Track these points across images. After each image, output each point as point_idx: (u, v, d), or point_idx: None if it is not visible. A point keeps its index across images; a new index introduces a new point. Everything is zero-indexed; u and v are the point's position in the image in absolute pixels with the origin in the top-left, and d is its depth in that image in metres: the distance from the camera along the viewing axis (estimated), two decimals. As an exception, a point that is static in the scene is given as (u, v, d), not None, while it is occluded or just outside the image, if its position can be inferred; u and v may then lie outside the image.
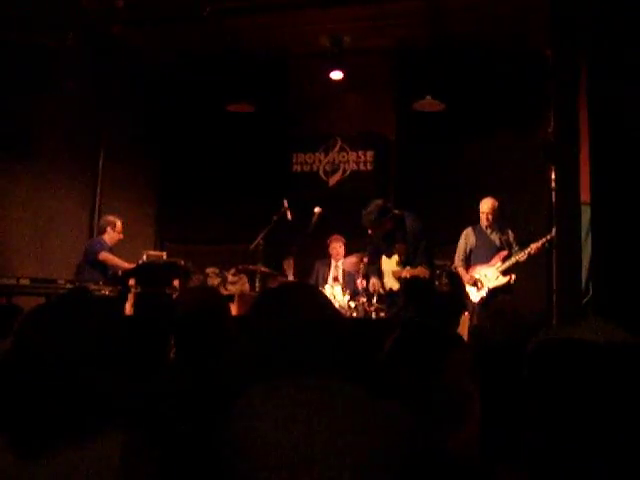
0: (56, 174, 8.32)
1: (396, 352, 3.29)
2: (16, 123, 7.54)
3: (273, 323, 1.88)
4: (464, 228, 7.65)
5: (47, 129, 8.14)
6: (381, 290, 6.99)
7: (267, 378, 1.84)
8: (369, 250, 7.18)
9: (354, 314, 7.32)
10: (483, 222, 7.50)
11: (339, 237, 8.59)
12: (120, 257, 8.18)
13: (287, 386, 1.80)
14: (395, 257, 6.82)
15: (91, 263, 7.64)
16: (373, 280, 7.02)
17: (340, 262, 8.37)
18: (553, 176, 8.14)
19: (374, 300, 7.06)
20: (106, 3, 7.80)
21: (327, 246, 8.62)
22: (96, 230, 8.40)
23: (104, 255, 7.62)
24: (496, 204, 7.47)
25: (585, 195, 7.76)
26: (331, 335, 1.89)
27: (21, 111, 7.57)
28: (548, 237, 7.02)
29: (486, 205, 7.49)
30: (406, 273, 6.47)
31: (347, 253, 8.29)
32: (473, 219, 7.62)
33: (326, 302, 2.01)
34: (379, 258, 7.03)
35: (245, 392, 1.86)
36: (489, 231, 7.48)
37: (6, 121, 7.34)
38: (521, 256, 7.19)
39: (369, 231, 6.86)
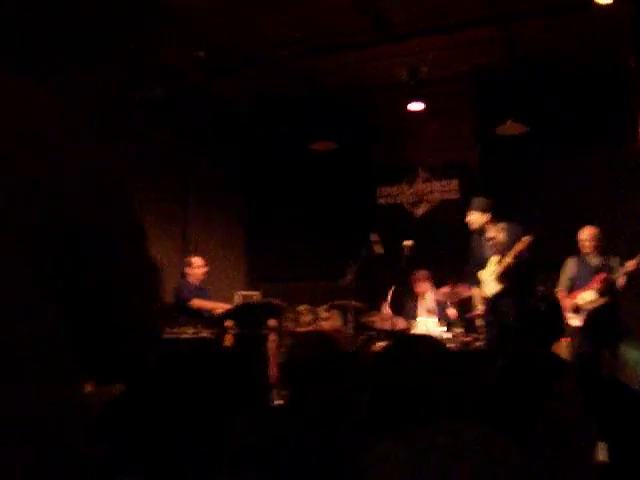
0: (147, 216, 8.56)
1: (506, 383, 3.24)
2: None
3: (399, 372, 1.91)
4: (557, 253, 7.46)
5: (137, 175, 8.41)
6: (480, 301, 7.07)
7: (397, 427, 1.85)
8: (467, 269, 7.25)
9: (452, 345, 7.26)
10: (585, 249, 7.25)
11: (424, 273, 8.42)
12: (214, 299, 8.33)
13: (418, 432, 1.81)
14: (493, 260, 6.79)
15: (182, 309, 7.72)
16: (475, 290, 7.05)
17: (430, 292, 8.28)
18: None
19: (473, 326, 7.06)
20: (188, 54, 8.06)
21: (412, 283, 8.52)
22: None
23: (196, 302, 7.70)
24: (595, 231, 7.24)
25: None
26: (451, 380, 1.91)
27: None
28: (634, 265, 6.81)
29: (585, 234, 7.25)
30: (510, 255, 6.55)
31: (437, 283, 8.21)
32: (566, 244, 7.41)
33: (444, 350, 2.06)
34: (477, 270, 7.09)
35: (376, 441, 1.87)
36: (590, 257, 7.24)
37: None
38: (617, 276, 6.95)
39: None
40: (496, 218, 6.96)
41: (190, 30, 7.75)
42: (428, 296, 8.35)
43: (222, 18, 7.53)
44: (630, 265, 6.89)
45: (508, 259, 6.69)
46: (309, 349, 2.83)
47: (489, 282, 6.90)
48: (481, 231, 6.96)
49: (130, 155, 8.14)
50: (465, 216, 7.11)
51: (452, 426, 1.80)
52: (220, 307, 7.61)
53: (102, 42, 7.11)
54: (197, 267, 8.04)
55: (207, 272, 8.18)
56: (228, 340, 6.60)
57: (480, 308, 7.11)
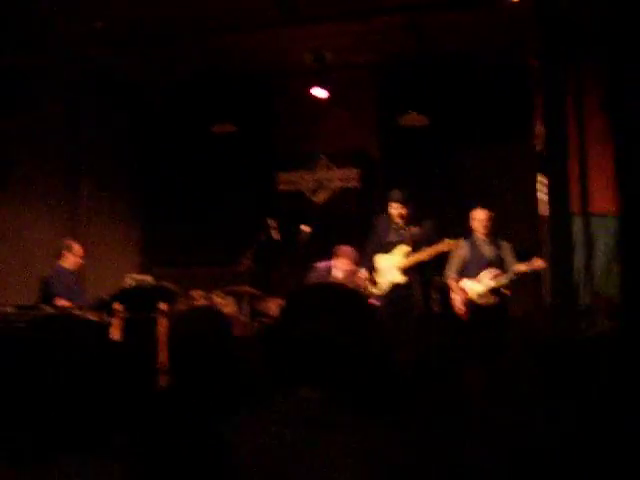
0: (36, 202, 8.18)
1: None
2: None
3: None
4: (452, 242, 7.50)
5: (24, 156, 8.00)
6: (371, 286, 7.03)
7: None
8: (367, 249, 7.25)
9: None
10: (479, 232, 7.25)
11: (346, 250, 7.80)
12: (105, 282, 8.01)
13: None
14: (400, 250, 6.77)
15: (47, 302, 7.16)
16: (363, 272, 7.04)
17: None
18: (539, 186, 8.16)
19: None
20: (83, 25, 7.70)
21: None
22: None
23: (60, 302, 7.18)
24: (489, 214, 7.29)
25: (576, 205, 7.81)
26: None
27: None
28: (535, 265, 6.94)
29: (480, 214, 7.27)
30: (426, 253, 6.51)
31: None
32: (461, 233, 7.47)
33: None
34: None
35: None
36: (482, 244, 7.28)
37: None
38: (507, 278, 7.05)
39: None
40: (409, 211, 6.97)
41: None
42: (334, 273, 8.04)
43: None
44: (520, 268, 7.00)
45: (422, 256, 6.67)
46: (194, 323, 2.69)
47: (389, 269, 6.85)
48: (400, 221, 6.93)
49: (17, 130, 7.77)
50: (364, 202, 7.08)
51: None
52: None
53: None
54: (78, 254, 7.66)
55: (83, 265, 7.80)
56: (116, 324, 6.33)
57: (373, 293, 7.05)
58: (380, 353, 2.11)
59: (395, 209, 6.95)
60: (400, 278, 6.80)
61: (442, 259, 7.24)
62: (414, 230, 6.84)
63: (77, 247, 7.71)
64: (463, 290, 7.18)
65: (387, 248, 6.94)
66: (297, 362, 1.78)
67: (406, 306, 6.69)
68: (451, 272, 7.30)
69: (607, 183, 7.90)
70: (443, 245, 6.67)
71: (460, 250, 7.26)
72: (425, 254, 6.68)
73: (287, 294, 1.99)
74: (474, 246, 7.22)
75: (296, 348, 1.78)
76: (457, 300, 7.21)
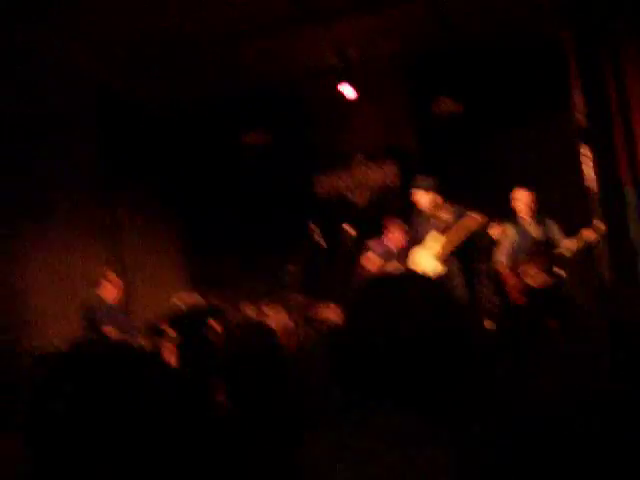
0: (82, 233, 8.17)
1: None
2: (33, 187, 7.41)
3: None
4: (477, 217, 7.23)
5: (62, 192, 7.99)
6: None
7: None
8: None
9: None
10: (523, 212, 7.04)
11: (396, 222, 7.82)
12: (151, 307, 7.97)
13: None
14: (433, 238, 6.57)
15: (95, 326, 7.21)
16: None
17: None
18: (584, 159, 7.92)
19: None
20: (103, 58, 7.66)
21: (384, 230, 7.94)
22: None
23: (109, 330, 7.17)
24: (531, 194, 7.07)
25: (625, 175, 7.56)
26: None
27: (38, 175, 7.44)
28: (585, 237, 6.71)
29: (521, 194, 7.07)
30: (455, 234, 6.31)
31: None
32: (507, 217, 7.24)
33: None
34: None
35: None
36: (528, 225, 7.04)
37: (23, 185, 7.20)
38: (561, 252, 6.81)
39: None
40: (441, 197, 6.76)
41: (97, 29, 7.33)
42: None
43: (132, 15, 7.14)
44: (572, 243, 6.78)
45: (453, 238, 6.47)
46: (244, 342, 2.58)
47: (428, 261, 6.64)
48: (425, 210, 6.74)
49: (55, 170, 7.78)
50: (406, 198, 6.89)
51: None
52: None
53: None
54: (115, 285, 7.56)
55: (122, 294, 7.72)
56: (170, 348, 6.24)
57: None
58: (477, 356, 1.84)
59: (420, 196, 6.74)
60: (440, 268, 6.57)
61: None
62: (444, 216, 6.63)
63: (114, 277, 7.66)
64: (516, 275, 6.96)
65: (421, 240, 6.74)
66: (373, 371, 1.57)
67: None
68: (501, 257, 7.09)
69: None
70: (469, 221, 6.41)
71: (508, 236, 7.04)
72: (455, 236, 6.45)
73: (354, 289, 1.79)
74: (520, 228, 6.99)
75: (370, 355, 1.57)
76: (510, 285, 7.02)
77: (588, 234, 6.77)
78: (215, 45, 8.01)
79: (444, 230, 6.59)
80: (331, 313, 7.45)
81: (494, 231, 6.45)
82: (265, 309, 9.11)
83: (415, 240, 6.97)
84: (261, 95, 9.30)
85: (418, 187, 6.72)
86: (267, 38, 8.14)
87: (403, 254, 7.28)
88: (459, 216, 6.53)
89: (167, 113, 9.74)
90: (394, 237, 7.72)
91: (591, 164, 7.79)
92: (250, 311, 9.08)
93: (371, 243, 7.53)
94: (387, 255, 7.51)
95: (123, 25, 7.33)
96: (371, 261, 7.00)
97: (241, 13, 7.39)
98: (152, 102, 9.41)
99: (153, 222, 9.51)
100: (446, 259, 6.63)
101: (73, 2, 6.77)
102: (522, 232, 6.94)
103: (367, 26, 8.08)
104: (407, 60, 9.06)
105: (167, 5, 7.11)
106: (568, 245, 6.79)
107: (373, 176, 9.42)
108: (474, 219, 6.36)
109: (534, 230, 6.99)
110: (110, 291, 7.54)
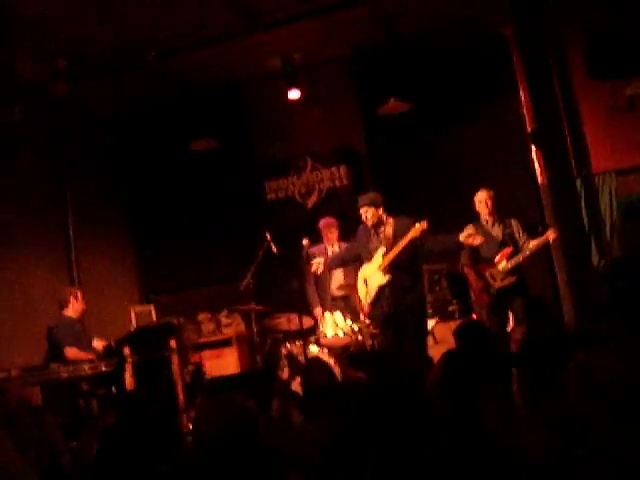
0: (25, 250, 7.97)
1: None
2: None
3: None
4: (454, 229, 7.21)
5: (8, 205, 7.79)
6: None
7: None
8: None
9: (359, 338, 7.08)
10: (483, 214, 7.05)
11: (331, 220, 8.12)
12: (107, 315, 7.85)
13: None
14: (379, 252, 6.56)
15: (55, 356, 7.03)
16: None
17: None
18: (534, 155, 8.00)
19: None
20: (45, 67, 7.48)
21: (322, 230, 8.08)
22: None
23: (71, 353, 7.00)
24: (492, 193, 7.08)
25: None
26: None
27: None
28: (548, 237, 6.76)
29: (483, 194, 7.06)
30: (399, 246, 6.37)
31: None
32: (464, 218, 7.18)
33: None
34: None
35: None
36: (490, 225, 7.05)
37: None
38: (523, 255, 6.83)
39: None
40: (387, 208, 6.72)
41: (45, 40, 7.17)
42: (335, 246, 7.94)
43: (79, 24, 7.02)
44: (532, 247, 6.79)
45: (396, 250, 6.42)
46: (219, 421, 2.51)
47: (374, 275, 6.62)
48: (374, 224, 6.67)
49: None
50: (357, 201, 6.82)
51: None
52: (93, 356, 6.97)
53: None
54: (80, 301, 7.43)
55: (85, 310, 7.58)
56: (129, 371, 6.16)
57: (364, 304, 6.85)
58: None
59: (364, 213, 6.70)
60: (382, 279, 6.55)
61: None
62: (388, 230, 6.60)
63: (79, 293, 7.51)
64: (480, 277, 6.97)
65: (370, 256, 6.71)
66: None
67: (400, 307, 6.46)
68: (465, 260, 7.13)
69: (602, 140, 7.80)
70: (413, 231, 6.39)
71: (471, 235, 7.00)
72: (398, 247, 6.42)
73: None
74: (482, 229, 6.94)
75: None
76: (475, 287, 7.06)
77: (551, 234, 6.81)
78: (160, 52, 7.87)
79: (388, 244, 6.54)
80: (290, 323, 7.41)
81: (462, 234, 6.41)
82: (223, 320, 9.08)
83: (359, 255, 6.90)
84: (208, 101, 9.20)
85: (362, 204, 6.64)
86: (213, 44, 8.01)
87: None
88: (401, 228, 6.49)
89: (117, 121, 9.62)
90: (332, 236, 7.99)
91: (542, 159, 7.88)
92: (207, 322, 9.02)
93: (313, 250, 7.54)
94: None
95: (65, 33, 7.19)
96: (319, 265, 6.98)
97: (186, 20, 7.27)
98: (102, 110, 9.27)
99: (103, 232, 9.34)
100: (388, 269, 6.57)
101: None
102: (484, 233, 6.88)
103: (311, 30, 8.02)
104: (353, 62, 9.03)
105: (111, 13, 6.99)
106: (531, 246, 6.81)
107: (323, 179, 9.36)
108: (418, 229, 6.31)
109: (496, 230, 7.00)
110: (76, 308, 7.38)
